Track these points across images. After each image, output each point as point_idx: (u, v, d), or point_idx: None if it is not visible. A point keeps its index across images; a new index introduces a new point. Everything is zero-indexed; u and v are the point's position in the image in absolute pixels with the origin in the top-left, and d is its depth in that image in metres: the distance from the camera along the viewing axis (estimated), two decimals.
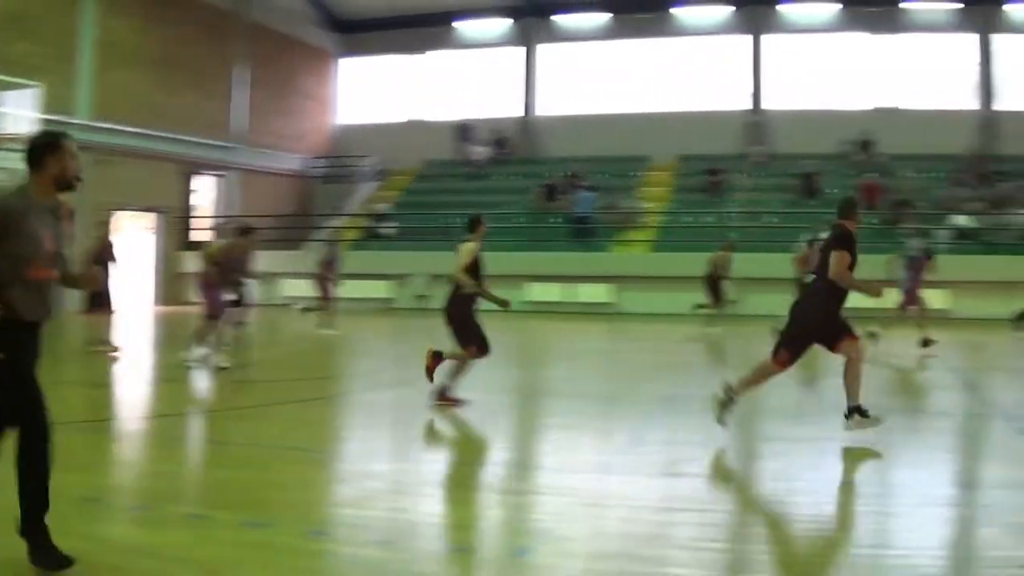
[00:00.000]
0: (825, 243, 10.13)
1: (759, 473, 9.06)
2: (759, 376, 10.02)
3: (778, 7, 36.78)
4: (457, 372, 11.83)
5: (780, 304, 25.41)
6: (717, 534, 6.69)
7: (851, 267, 9.59)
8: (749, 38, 36.93)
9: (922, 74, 36.65)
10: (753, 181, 34.33)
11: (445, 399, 11.63)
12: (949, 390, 14.37)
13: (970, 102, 36.16)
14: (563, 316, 27.16)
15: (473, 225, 12.25)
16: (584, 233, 31.74)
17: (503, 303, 12.19)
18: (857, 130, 34.75)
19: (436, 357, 11.92)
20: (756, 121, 36.26)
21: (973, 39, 36.08)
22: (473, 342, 11.80)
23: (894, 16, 36.37)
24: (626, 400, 11.66)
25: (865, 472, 9.01)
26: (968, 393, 14.22)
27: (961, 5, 36.02)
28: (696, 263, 24.02)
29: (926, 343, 18.41)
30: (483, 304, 12.06)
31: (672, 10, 37.33)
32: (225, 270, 15.49)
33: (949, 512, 7.41)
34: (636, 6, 37.47)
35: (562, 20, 39.12)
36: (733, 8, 36.87)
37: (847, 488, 8.40)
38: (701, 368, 17.48)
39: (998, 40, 35.98)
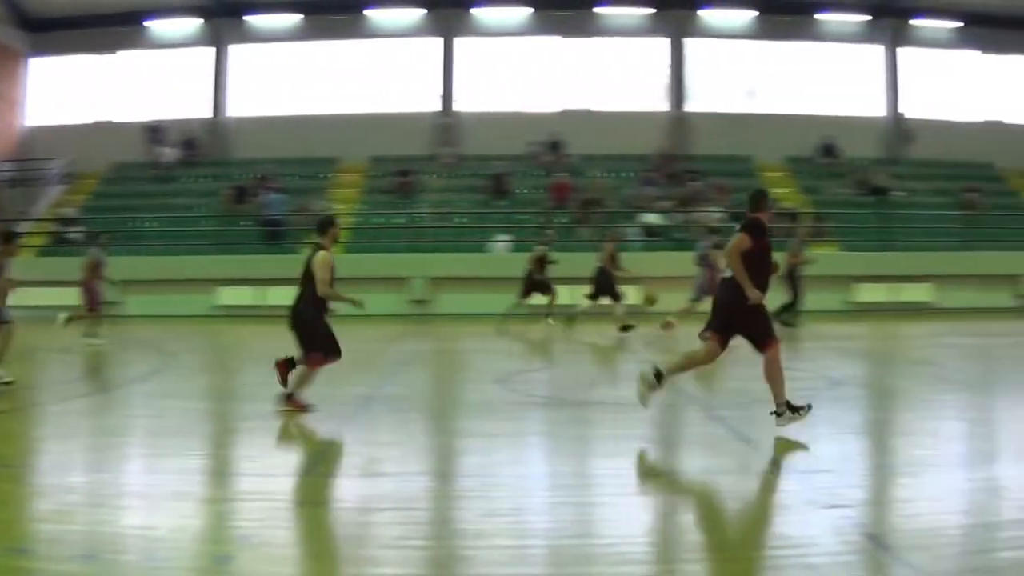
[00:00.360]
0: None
1: (460, 469, 9.03)
2: (689, 363, 10.23)
3: (471, 10, 36.95)
4: (305, 379, 11.17)
5: (471, 303, 25.76)
6: (423, 532, 6.62)
7: (763, 257, 9.77)
8: (441, 40, 37.06)
9: (613, 77, 37.68)
10: (444, 182, 34.47)
11: (294, 404, 11.03)
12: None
13: (661, 104, 37.60)
14: (255, 320, 26.69)
15: (323, 227, 11.32)
16: (274, 236, 31.19)
17: (357, 303, 11.47)
18: (547, 131, 35.45)
19: (286, 364, 11.22)
20: (447, 123, 36.47)
21: (665, 43, 37.52)
22: (319, 348, 11.09)
23: (587, 20, 37.19)
24: (324, 401, 11.49)
25: (564, 464, 9.09)
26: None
27: (653, 10, 37.36)
28: (387, 264, 24.07)
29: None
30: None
31: (366, 12, 37.13)
32: None
33: (651, 500, 7.62)
34: (329, 8, 37.13)
35: (254, 20, 38.36)
36: (425, 11, 36.85)
37: (548, 480, 8.43)
38: (399, 367, 17.47)
39: (689, 44, 37.58)
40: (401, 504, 7.26)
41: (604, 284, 22.29)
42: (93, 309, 20.30)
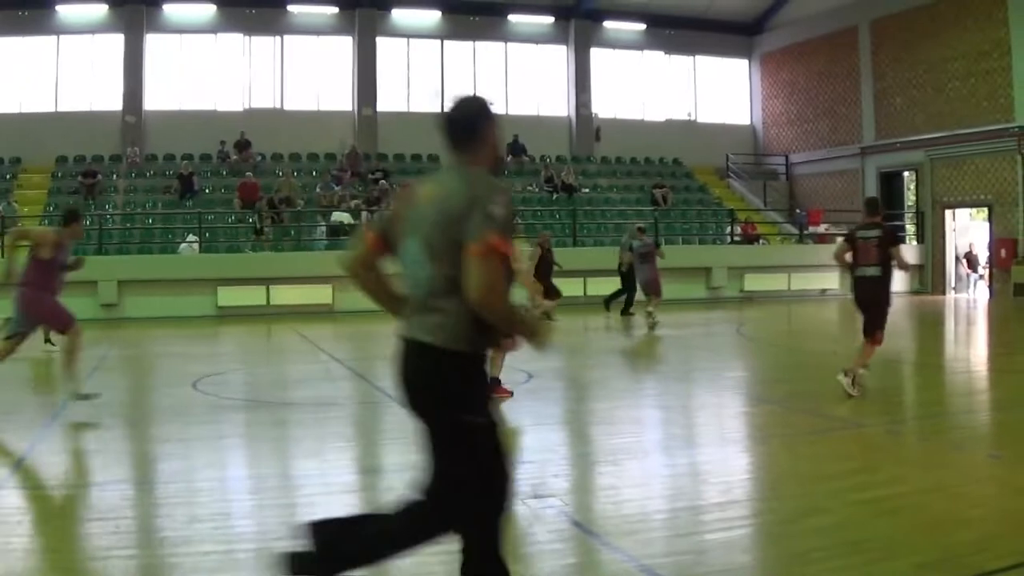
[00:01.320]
0: (879, 239, 11.96)
1: (160, 476, 8.71)
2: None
3: (157, 7, 35.90)
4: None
5: (161, 306, 25.17)
6: (129, 541, 6.45)
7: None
8: (127, 38, 35.68)
9: (302, 76, 37.58)
10: (131, 183, 33.54)
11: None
12: (340, 380, 14.80)
13: (348, 103, 37.66)
14: None
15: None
16: None
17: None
18: (234, 130, 35.05)
19: None
20: (133, 122, 35.43)
21: (353, 42, 37.73)
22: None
23: (274, 18, 36.92)
24: (15, 410, 11.07)
25: (266, 466, 9.04)
26: (359, 382, 14.75)
27: (339, 9, 37.39)
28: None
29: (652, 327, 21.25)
30: None
31: (57, 7, 35.35)
32: None
33: (355, 498, 7.67)
34: (11, 2, 35.27)
35: None
36: (108, 7, 35.49)
37: (250, 483, 8.36)
38: (93, 373, 16.87)
39: (380, 43, 37.86)
40: (105, 514, 7.04)
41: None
42: None
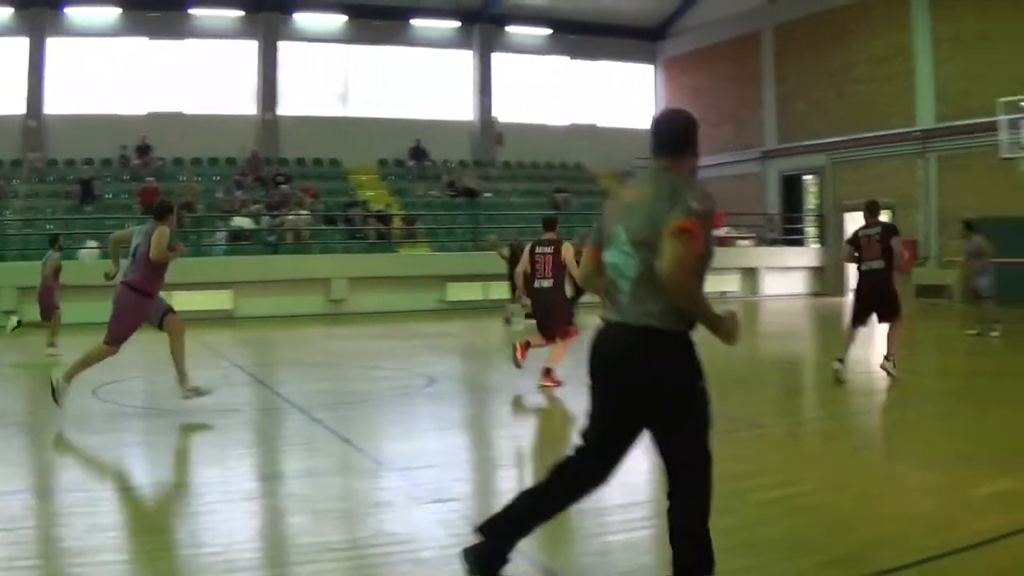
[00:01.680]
0: (883, 233, 13.78)
1: (60, 484, 8.68)
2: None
3: (64, 11, 35.40)
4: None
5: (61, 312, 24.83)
6: (29, 551, 6.44)
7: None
8: (28, 40, 35.20)
9: (204, 79, 37.23)
10: (31, 187, 33.04)
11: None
12: (241, 387, 14.71)
13: (251, 107, 37.45)
14: None
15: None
16: None
17: None
18: (136, 135, 34.69)
19: None
20: (33, 126, 34.91)
21: (256, 46, 37.49)
22: None
23: (177, 22, 36.58)
24: None
25: (167, 474, 9.03)
26: (260, 388, 14.75)
27: (244, 13, 37.14)
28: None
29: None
30: None
31: None
32: None
33: (257, 505, 7.70)
34: None
35: None
36: (12, 10, 34.90)
37: (151, 491, 8.31)
38: None
39: (282, 47, 37.60)
40: (6, 524, 7.01)
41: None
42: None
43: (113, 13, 35.92)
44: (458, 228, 34.19)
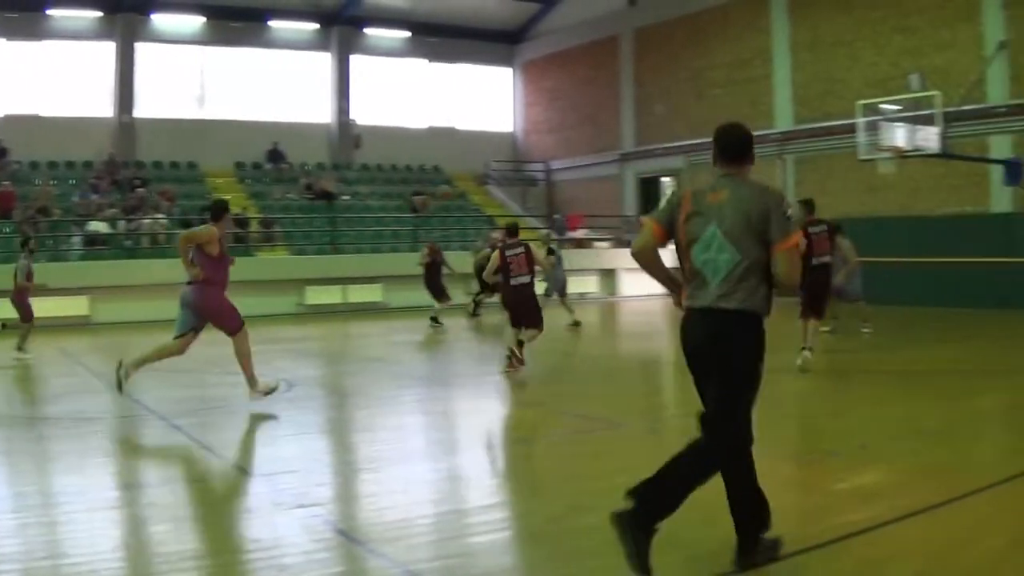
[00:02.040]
0: (828, 230, 15.19)
1: None
2: None
3: None
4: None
5: None
6: None
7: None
8: None
9: (60, 81, 36.49)
10: None
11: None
12: (100, 394, 14.50)
13: (107, 109, 36.77)
14: None
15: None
16: None
17: None
18: None
19: None
20: None
21: (114, 47, 36.80)
22: None
23: (35, 22, 35.81)
24: None
25: (25, 483, 8.88)
26: (118, 396, 14.55)
27: (102, 13, 36.43)
28: None
29: (576, 324, 23.48)
30: None
31: None
32: None
33: (118, 514, 7.61)
34: None
35: None
36: None
37: (10, 501, 8.09)
38: None
39: (140, 49, 37.00)
40: None
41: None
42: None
43: None
44: (316, 231, 34.05)
